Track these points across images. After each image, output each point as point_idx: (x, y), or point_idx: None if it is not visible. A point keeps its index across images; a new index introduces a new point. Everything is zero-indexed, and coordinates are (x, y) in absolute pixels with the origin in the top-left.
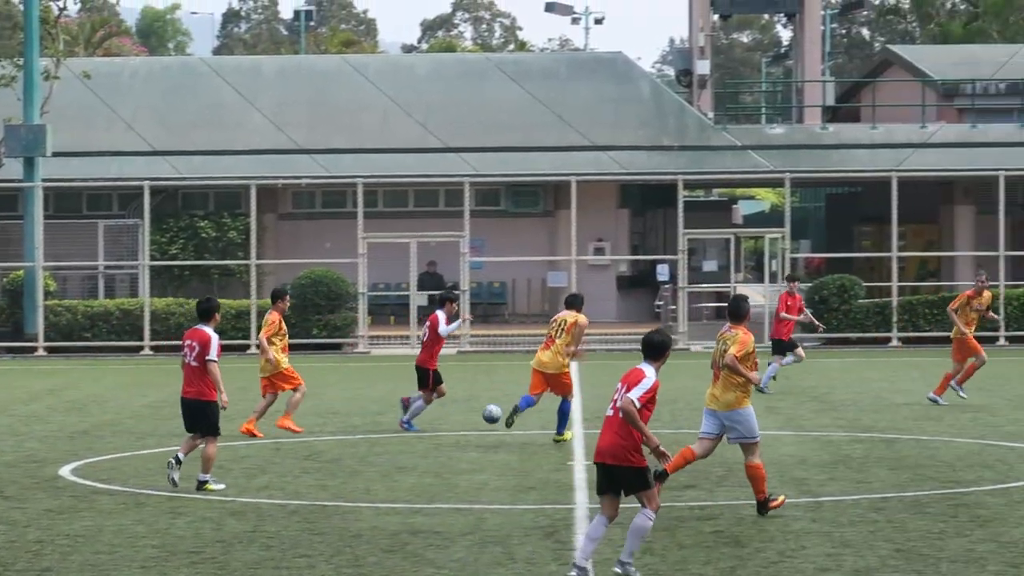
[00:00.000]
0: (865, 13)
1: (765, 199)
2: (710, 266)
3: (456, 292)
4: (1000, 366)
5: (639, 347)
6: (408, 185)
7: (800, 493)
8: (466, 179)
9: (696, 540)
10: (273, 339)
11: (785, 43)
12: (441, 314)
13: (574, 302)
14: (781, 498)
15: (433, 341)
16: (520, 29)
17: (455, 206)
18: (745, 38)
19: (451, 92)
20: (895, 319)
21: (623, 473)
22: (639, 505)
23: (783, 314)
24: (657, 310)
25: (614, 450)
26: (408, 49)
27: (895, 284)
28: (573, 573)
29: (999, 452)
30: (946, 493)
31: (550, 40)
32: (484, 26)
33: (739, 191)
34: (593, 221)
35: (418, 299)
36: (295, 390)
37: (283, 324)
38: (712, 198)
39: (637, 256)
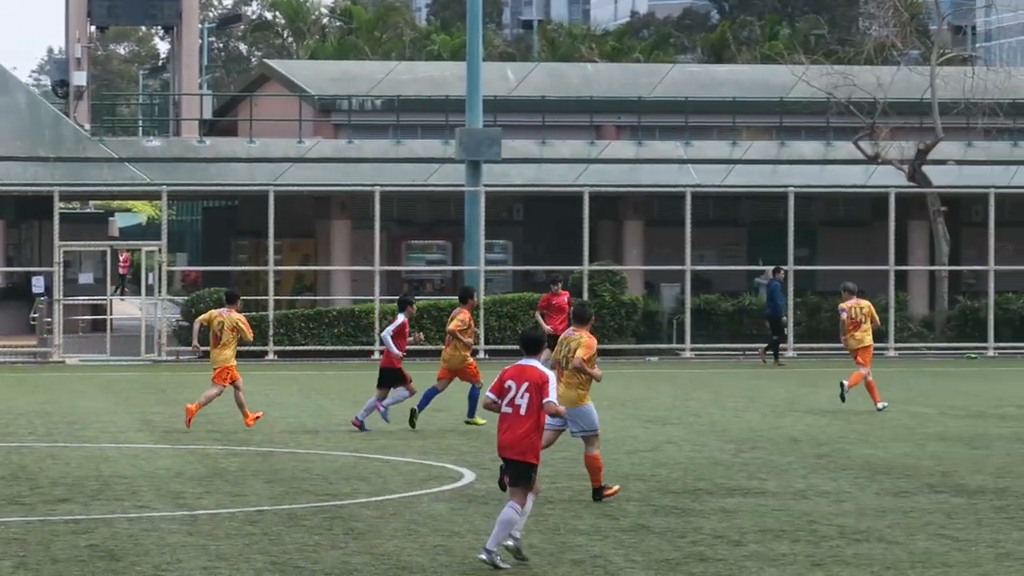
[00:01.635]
0: (243, 27)
1: (142, 212)
2: (86, 279)
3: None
4: (375, 379)
5: (14, 360)
6: None
7: (176, 507)
8: None
9: (71, 554)
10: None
11: (163, 56)
12: (400, 316)
13: (464, 295)
14: (616, 488)
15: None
16: None
17: None
18: (123, 50)
19: None
20: (271, 333)
21: (518, 465)
22: (509, 497)
23: (541, 311)
24: (32, 322)
25: (519, 444)
26: None
27: (271, 298)
28: (507, 558)
29: (374, 465)
30: (322, 506)
31: None
32: None
33: (116, 204)
34: None
35: None
36: (223, 388)
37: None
38: (89, 210)
39: (12, 268)
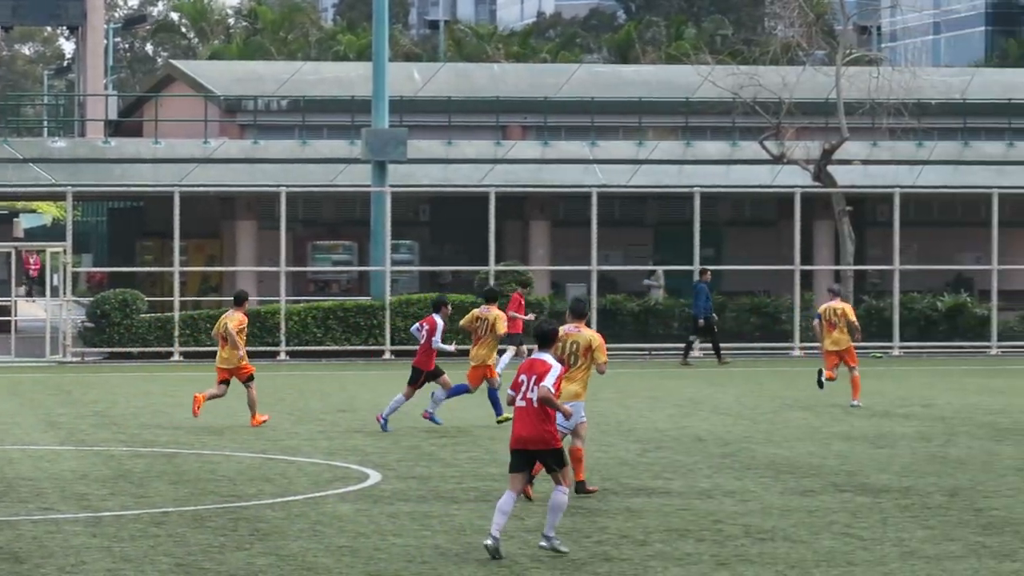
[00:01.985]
0: (148, 28)
1: (47, 213)
2: None
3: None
4: (280, 380)
5: None
6: None
7: (81, 508)
8: None
9: None
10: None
11: (68, 56)
12: (438, 318)
13: (491, 296)
14: (596, 488)
15: (430, 344)
16: None
17: None
18: (28, 50)
19: None
20: (177, 333)
21: (546, 455)
22: (554, 485)
23: (512, 313)
24: None
25: (538, 436)
26: None
27: (177, 299)
28: (489, 542)
29: (279, 466)
30: (227, 507)
31: None
32: None
33: (21, 204)
34: None
35: None
36: (249, 382)
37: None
38: None
39: None
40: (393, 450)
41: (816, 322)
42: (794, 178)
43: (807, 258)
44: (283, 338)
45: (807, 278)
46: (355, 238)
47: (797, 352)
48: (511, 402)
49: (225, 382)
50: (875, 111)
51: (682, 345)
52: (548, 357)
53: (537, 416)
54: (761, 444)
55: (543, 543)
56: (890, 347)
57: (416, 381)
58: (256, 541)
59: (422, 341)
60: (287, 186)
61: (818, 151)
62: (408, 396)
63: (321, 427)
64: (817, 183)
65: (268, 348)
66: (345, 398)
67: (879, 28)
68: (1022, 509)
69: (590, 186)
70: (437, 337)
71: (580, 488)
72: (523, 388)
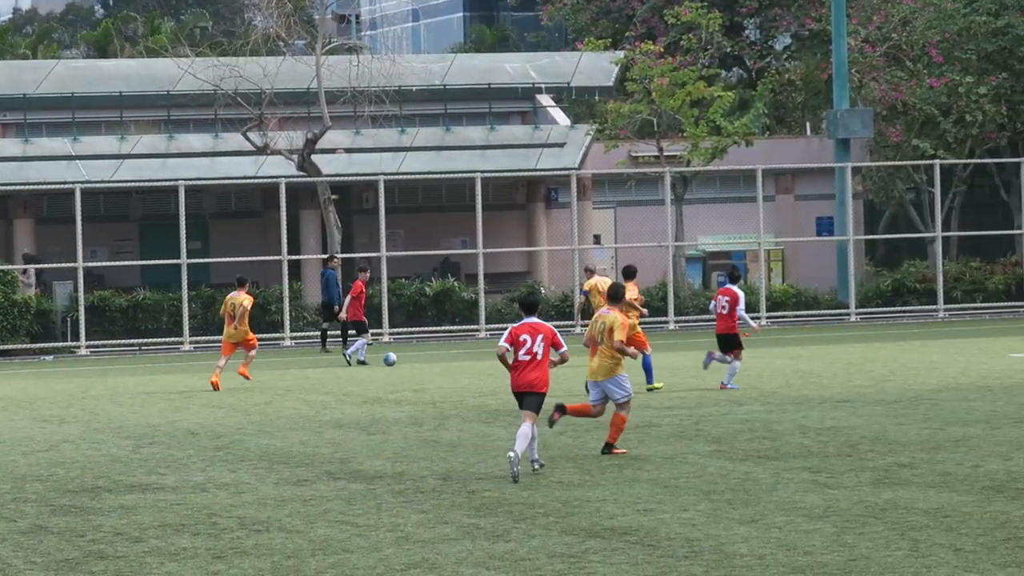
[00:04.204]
0: None
1: None
2: None
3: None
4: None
5: None
6: None
7: None
8: None
9: None
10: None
11: None
12: (737, 289)
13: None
14: (624, 451)
15: (732, 313)
16: None
17: None
18: None
19: None
20: None
21: (533, 395)
22: (523, 420)
23: (351, 297)
24: None
25: (539, 381)
26: None
27: None
28: (512, 455)
29: None
30: None
31: None
32: None
33: None
34: None
35: None
36: (253, 348)
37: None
38: None
39: None
40: None
41: (583, 298)
42: (279, 168)
43: (295, 248)
44: None
45: (295, 268)
46: None
47: (288, 342)
48: (501, 355)
49: (228, 356)
50: (357, 99)
51: (172, 338)
52: (539, 321)
53: (538, 367)
54: (254, 435)
55: (511, 454)
56: (380, 333)
57: (736, 346)
58: None
59: (722, 312)
60: None
61: (301, 141)
62: (739, 357)
63: None
64: (302, 173)
65: None
66: None
67: (358, 16)
68: (513, 489)
69: (73, 182)
70: (741, 306)
71: (608, 449)
72: (527, 345)
